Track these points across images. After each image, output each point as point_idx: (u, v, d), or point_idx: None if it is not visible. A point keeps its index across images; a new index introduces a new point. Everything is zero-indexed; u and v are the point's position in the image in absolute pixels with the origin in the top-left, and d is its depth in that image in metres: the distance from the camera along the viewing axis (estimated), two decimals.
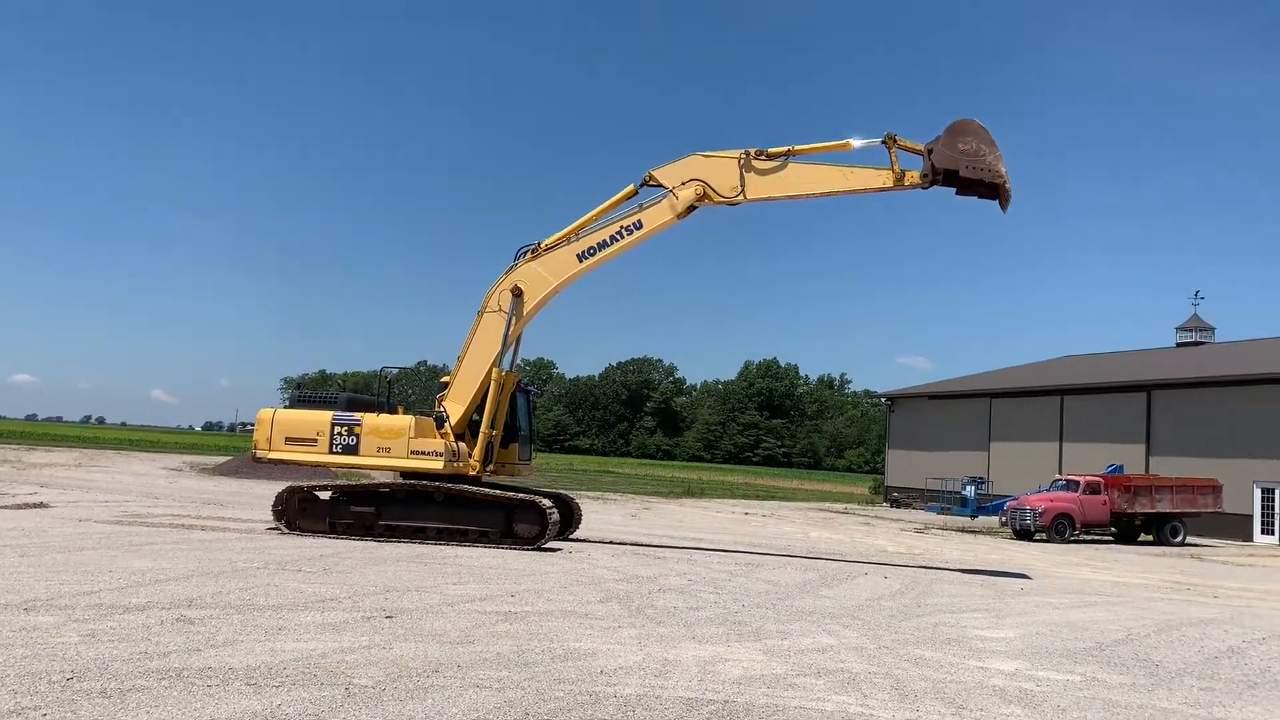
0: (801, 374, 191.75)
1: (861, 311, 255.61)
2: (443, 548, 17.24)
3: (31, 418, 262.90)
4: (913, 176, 18.06)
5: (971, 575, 19.30)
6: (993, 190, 17.99)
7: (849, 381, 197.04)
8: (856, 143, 18.49)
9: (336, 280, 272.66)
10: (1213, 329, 55.81)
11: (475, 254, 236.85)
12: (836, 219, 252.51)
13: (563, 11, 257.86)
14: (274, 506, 18.71)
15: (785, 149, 18.66)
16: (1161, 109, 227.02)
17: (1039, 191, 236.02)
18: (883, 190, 18.31)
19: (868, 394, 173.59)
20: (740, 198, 18.75)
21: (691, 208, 18.92)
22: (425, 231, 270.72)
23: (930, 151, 17.93)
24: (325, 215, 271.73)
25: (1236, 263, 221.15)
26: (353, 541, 17.50)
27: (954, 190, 18.24)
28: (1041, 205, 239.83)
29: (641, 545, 21.04)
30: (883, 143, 18.18)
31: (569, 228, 19.33)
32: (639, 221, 19.08)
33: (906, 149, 18.14)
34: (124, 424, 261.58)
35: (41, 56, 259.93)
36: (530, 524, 17.99)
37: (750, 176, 18.71)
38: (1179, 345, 55.86)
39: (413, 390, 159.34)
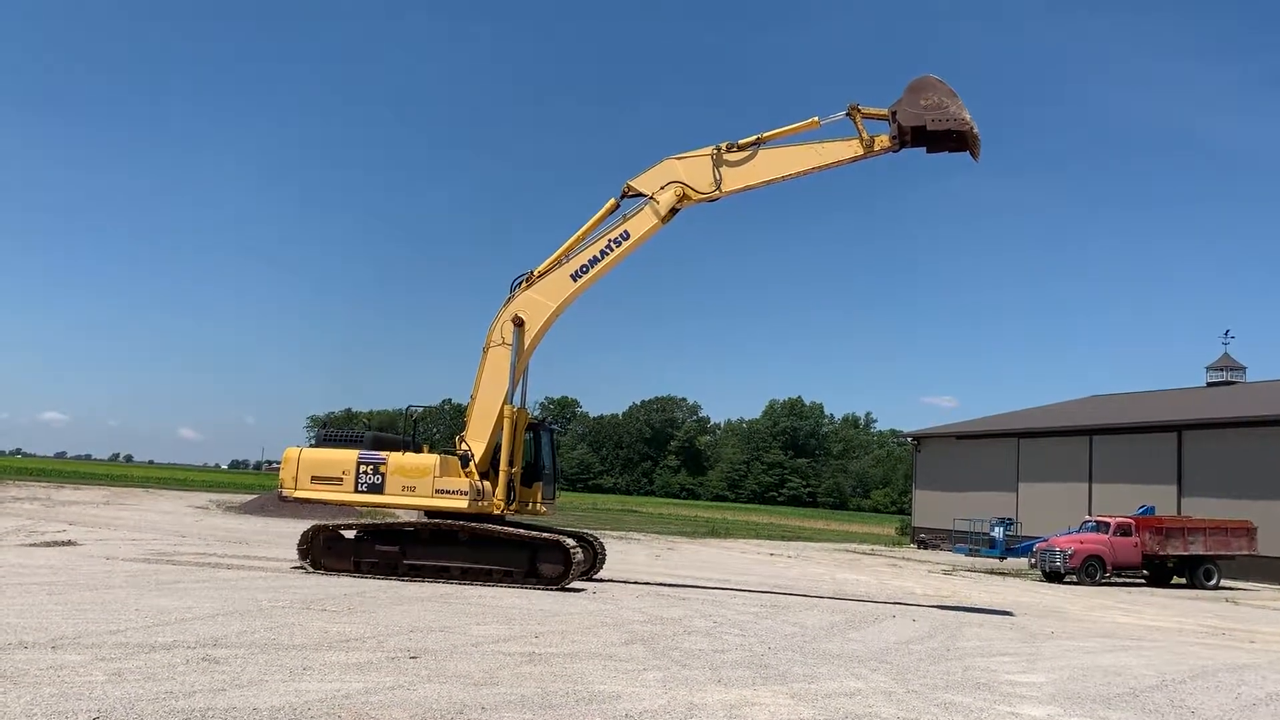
0: (826, 413, 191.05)
1: (887, 351, 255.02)
2: (466, 587, 17.20)
3: (61, 455, 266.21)
4: (882, 141, 18.48)
5: (1002, 619, 19.00)
6: (961, 141, 18.35)
7: (874, 421, 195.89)
8: (822, 120, 18.88)
9: (362, 319, 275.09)
10: (1244, 368, 55.10)
11: (498, 291, 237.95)
12: (861, 257, 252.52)
13: (599, 48, 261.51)
14: (299, 545, 18.74)
15: (754, 138, 19.11)
16: (1189, 149, 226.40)
17: (1067, 229, 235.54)
18: (855, 159, 18.73)
19: (894, 433, 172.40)
20: (718, 192, 19.13)
21: (674, 210, 19.23)
22: (454, 269, 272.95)
23: (894, 114, 18.32)
24: (351, 255, 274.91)
25: (1267, 301, 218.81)
26: (377, 581, 17.49)
27: (925, 149, 18.67)
28: (1069, 243, 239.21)
29: (666, 586, 20.89)
30: (847, 115, 18.61)
31: (558, 251, 19.55)
32: (625, 232, 19.31)
33: (871, 116, 18.58)
34: (151, 462, 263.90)
35: (64, 84, 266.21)
36: (554, 564, 17.91)
37: (725, 170, 19.07)
38: (1210, 385, 55.14)
39: (437, 429, 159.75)
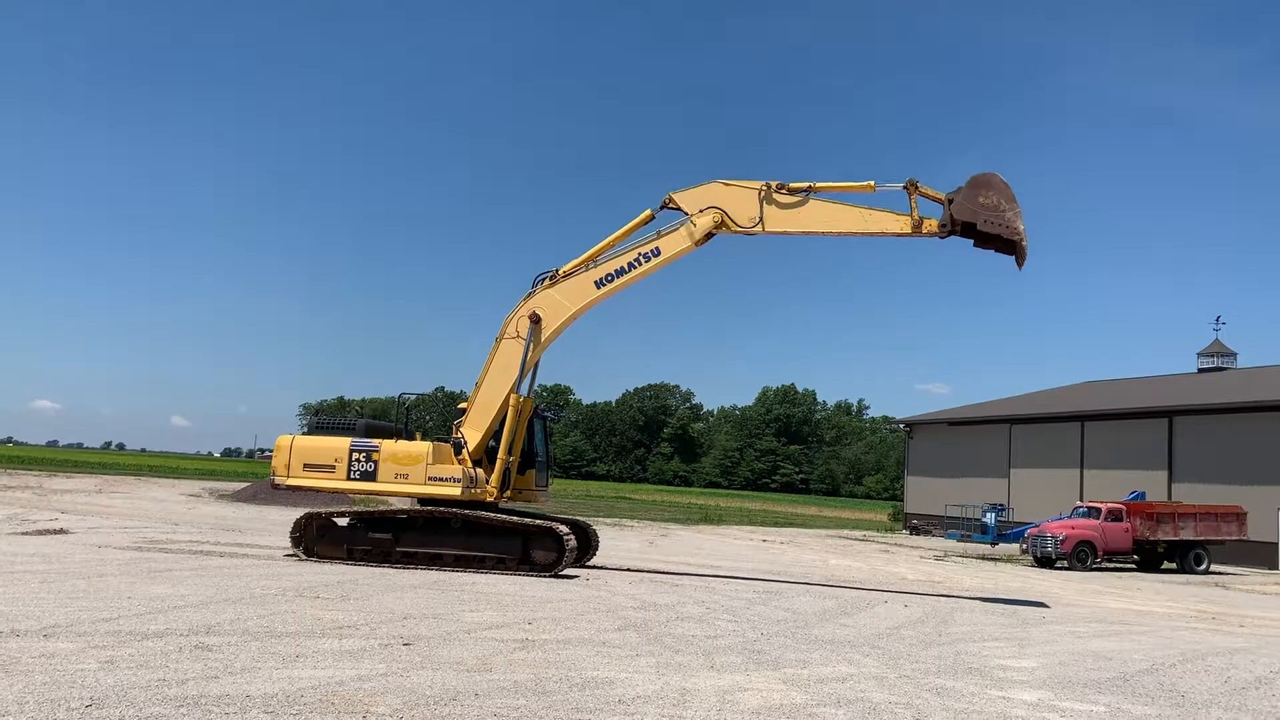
0: (819, 400, 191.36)
1: (880, 338, 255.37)
2: (460, 574, 17.22)
3: (53, 444, 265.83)
4: (930, 225, 18.08)
5: (993, 604, 19.09)
6: (1010, 246, 18.07)
7: (867, 407, 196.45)
8: (879, 186, 18.52)
9: (355, 307, 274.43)
10: (1235, 354, 55.35)
11: (494, 281, 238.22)
12: (856, 245, 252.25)
13: (592, 42, 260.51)
14: (292, 533, 18.74)
15: (807, 185, 18.66)
16: (1183, 134, 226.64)
17: (1059, 217, 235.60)
18: (899, 235, 18.25)
19: (886, 420, 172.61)
20: (758, 229, 18.72)
21: (709, 235, 18.88)
22: (444, 258, 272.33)
23: (950, 202, 17.97)
24: (343, 243, 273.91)
25: (1258, 288, 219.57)
26: (370, 568, 17.50)
27: (971, 242, 18.29)
28: (1062, 231, 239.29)
29: (659, 573, 20.94)
30: (904, 188, 18.19)
31: (587, 254, 19.31)
32: (656, 249, 19.03)
33: (927, 196, 18.17)
34: (144, 450, 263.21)
35: (59, 75, 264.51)
36: (547, 551, 17.93)
37: (770, 209, 18.68)
38: (1201, 371, 55.38)
39: (430, 416, 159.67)
